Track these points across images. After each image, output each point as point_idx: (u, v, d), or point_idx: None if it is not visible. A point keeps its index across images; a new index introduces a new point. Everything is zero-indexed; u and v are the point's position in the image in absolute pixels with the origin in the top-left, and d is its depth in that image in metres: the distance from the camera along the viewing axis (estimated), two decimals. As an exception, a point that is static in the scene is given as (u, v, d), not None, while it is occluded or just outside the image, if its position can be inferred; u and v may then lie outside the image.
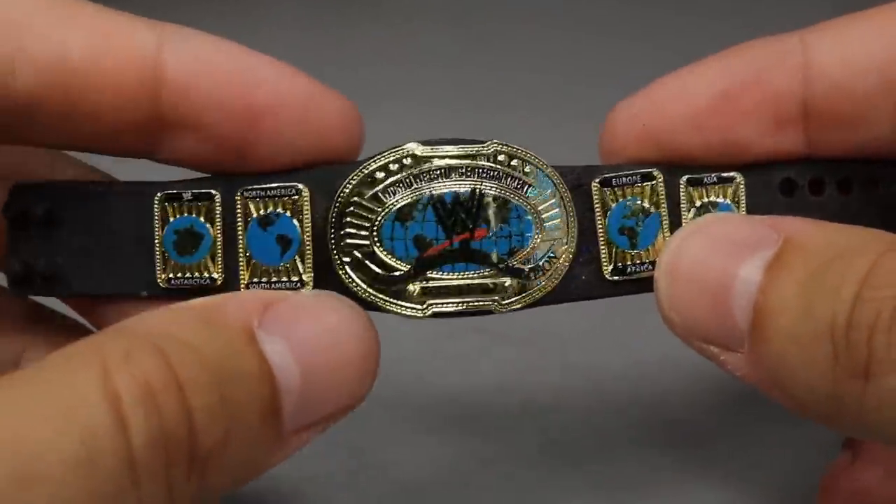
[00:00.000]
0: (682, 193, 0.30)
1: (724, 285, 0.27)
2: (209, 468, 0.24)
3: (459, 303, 0.29)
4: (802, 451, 0.39)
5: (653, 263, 0.30)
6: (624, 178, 0.30)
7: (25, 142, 0.28)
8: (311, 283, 0.29)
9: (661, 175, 0.30)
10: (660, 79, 0.31)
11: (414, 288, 0.29)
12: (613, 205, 0.30)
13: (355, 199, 0.28)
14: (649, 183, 0.30)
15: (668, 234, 0.30)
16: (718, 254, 0.27)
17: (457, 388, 0.42)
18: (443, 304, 0.29)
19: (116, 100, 0.27)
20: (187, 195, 0.29)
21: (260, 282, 0.29)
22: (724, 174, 0.30)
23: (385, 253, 0.28)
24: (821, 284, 0.25)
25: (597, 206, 0.30)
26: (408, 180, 0.28)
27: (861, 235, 0.26)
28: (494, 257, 0.29)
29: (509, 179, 0.29)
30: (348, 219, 0.28)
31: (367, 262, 0.29)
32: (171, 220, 0.29)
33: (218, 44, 0.28)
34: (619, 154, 0.30)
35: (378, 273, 0.29)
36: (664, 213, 0.30)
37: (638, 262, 0.30)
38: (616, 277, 0.30)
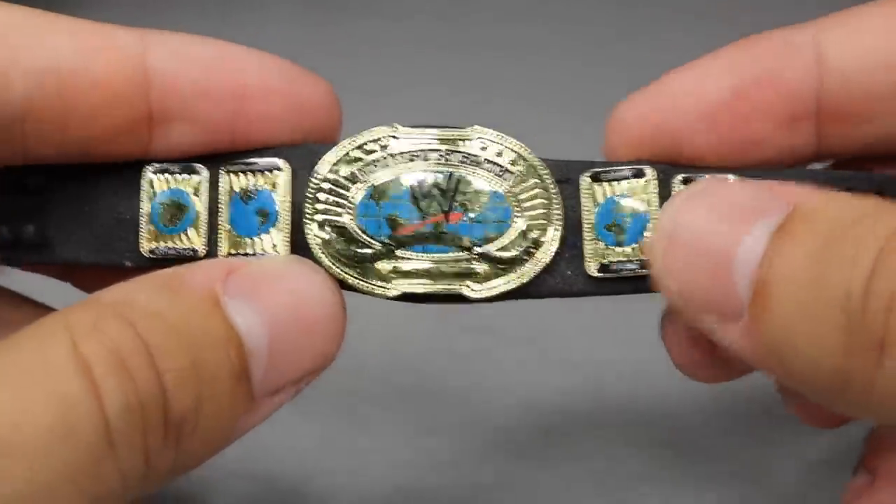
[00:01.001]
0: (674, 193, 0.29)
1: (725, 252, 0.25)
2: (184, 434, 0.24)
3: (429, 284, 0.29)
4: (804, 449, 0.38)
5: (640, 262, 0.29)
6: (615, 174, 0.29)
7: (18, 155, 0.29)
8: None
9: (654, 173, 0.29)
10: (668, 74, 0.30)
11: (384, 267, 0.29)
12: (603, 200, 0.29)
13: (332, 175, 0.29)
14: (641, 180, 0.29)
15: None
16: (721, 219, 0.26)
17: (457, 388, 0.42)
18: (412, 284, 0.29)
19: (108, 100, 0.28)
20: (174, 168, 0.29)
21: (237, 253, 0.29)
22: (720, 175, 0.29)
23: (358, 229, 0.29)
24: (834, 254, 0.24)
25: (585, 200, 0.29)
26: (385, 161, 0.29)
27: (876, 205, 0.25)
28: (468, 241, 0.29)
29: (490, 165, 0.29)
30: (324, 195, 0.29)
31: (339, 237, 0.29)
32: (158, 192, 0.30)
33: (199, 39, 0.29)
34: (626, 153, 0.30)
35: (350, 249, 0.29)
36: (654, 213, 0.29)
37: (623, 259, 0.29)
38: (600, 274, 0.29)
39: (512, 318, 0.44)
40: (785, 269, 0.24)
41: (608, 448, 0.39)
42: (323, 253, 0.29)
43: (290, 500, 0.38)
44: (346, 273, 0.29)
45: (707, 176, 0.29)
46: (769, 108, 0.29)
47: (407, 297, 0.29)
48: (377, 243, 0.29)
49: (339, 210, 0.29)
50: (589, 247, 0.29)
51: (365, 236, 0.29)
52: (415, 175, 0.29)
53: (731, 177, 0.29)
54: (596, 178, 0.29)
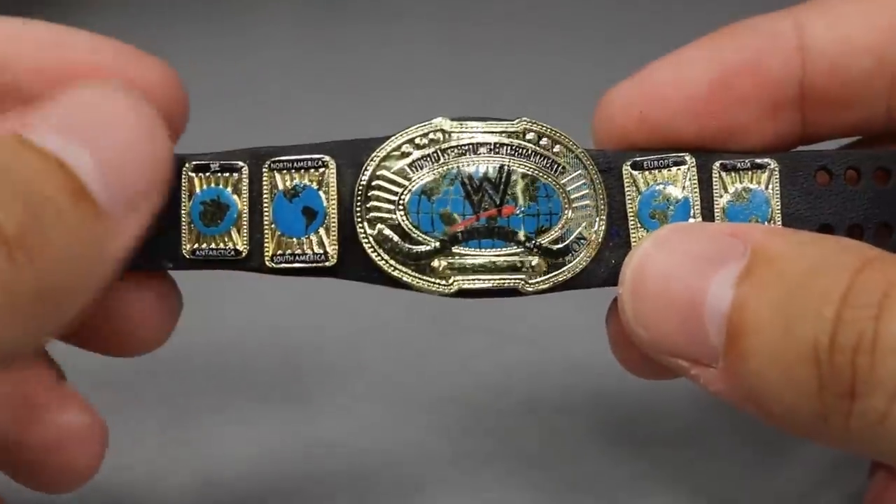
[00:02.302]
0: (714, 179, 0.30)
1: (693, 301, 0.26)
2: (34, 249, 0.23)
3: (486, 280, 0.28)
4: (806, 449, 0.38)
5: None
6: (656, 162, 0.29)
7: None
8: (335, 256, 0.28)
9: (693, 160, 0.29)
10: (653, 63, 0.30)
11: (439, 263, 0.28)
12: (645, 189, 0.29)
13: (382, 172, 0.28)
14: (681, 167, 0.29)
15: (699, 219, 0.29)
16: (684, 268, 0.27)
17: (458, 388, 0.42)
18: (468, 280, 0.28)
19: None
20: (215, 166, 0.29)
21: (284, 254, 0.28)
22: (758, 160, 0.29)
23: (411, 226, 0.28)
24: (798, 304, 0.25)
25: (628, 189, 0.29)
26: (435, 155, 0.28)
27: (832, 248, 0.26)
28: (522, 235, 0.28)
29: (538, 158, 0.29)
30: (374, 192, 0.28)
31: (392, 235, 0.28)
32: (199, 191, 0.29)
33: (31, 21, 0.29)
34: (613, 140, 0.30)
35: (403, 247, 0.28)
36: (695, 199, 0.29)
37: None
38: None
39: (512, 318, 0.44)
40: (754, 317, 0.25)
41: (608, 448, 0.39)
42: (375, 251, 0.28)
43: (291, 499, 0.37)
44: (400, 270, 0.28)
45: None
46: (751, 96, 0.30)
47: (463, 293, 0.28)
48: (431, 240, 0.28)
49: (390, 207, 0.28)
50: (634, 235, 0.29)
51: (418, 233, 0.28)
52: (465, 169, 0.28)
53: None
54: (637, 167, 0.30)
